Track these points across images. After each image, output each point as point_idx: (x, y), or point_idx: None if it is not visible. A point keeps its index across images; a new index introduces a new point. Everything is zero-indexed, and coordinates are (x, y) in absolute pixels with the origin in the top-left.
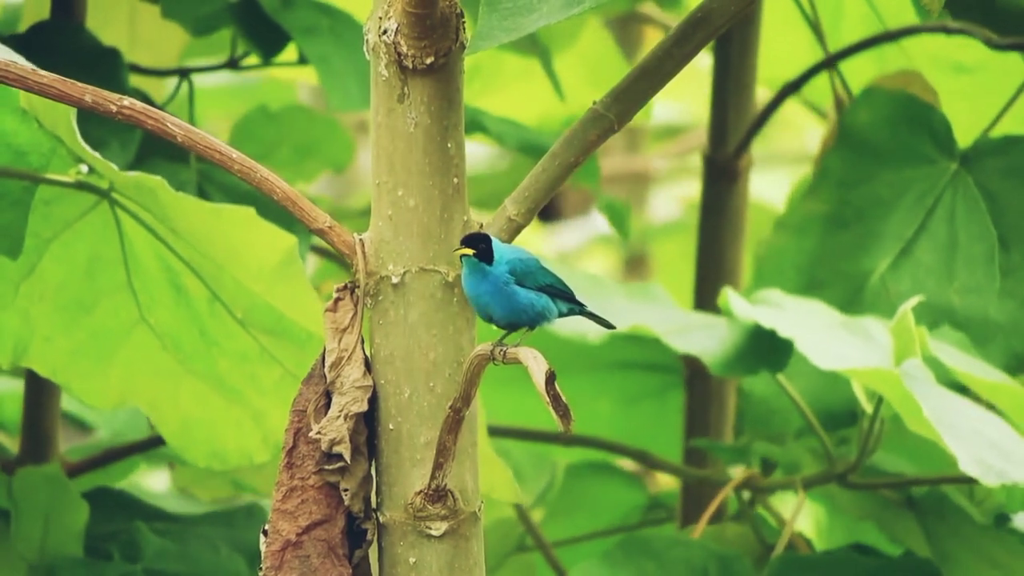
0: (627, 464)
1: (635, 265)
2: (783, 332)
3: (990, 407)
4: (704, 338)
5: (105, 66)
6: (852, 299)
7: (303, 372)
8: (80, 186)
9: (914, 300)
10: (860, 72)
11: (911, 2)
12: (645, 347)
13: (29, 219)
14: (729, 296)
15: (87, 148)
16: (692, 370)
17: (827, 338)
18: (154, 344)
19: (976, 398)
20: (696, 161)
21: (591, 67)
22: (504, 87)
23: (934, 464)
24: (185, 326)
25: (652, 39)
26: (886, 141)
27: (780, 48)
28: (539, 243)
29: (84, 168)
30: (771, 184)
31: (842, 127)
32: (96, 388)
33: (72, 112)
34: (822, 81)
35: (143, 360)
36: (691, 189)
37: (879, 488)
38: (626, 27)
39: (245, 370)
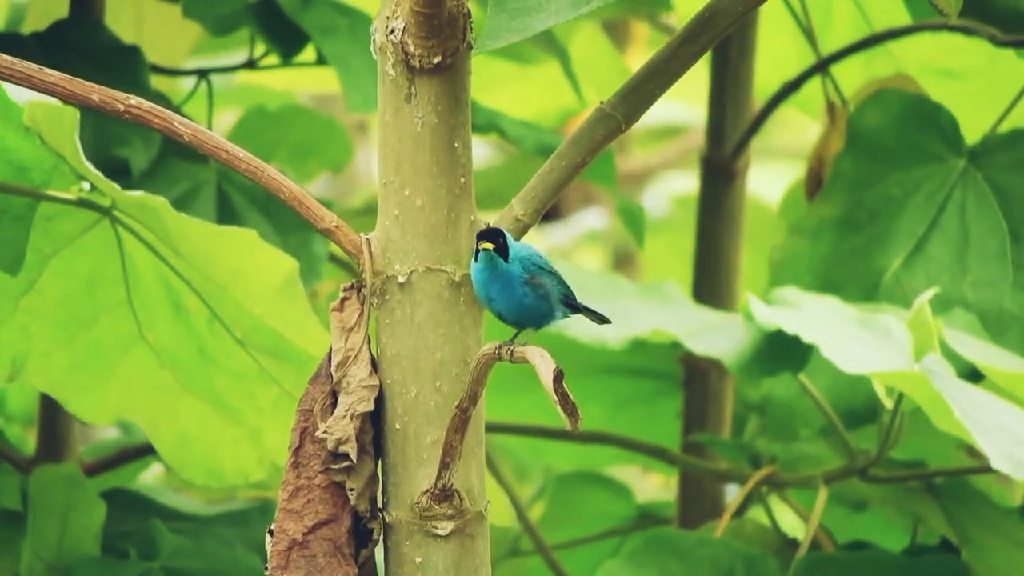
0: (618, 474)
1: (624, 262)
2: (807, 338)
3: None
4: (722, 339)
5: (125, 64)
6: (867, 298)
7: (301, 393)
8: (81, 203)
9: (930, 292)
10: (850, 76)
11: (904, 5)
12: (637, 352)
13: (30, 234)
14: (751, 302)
15: (89, 166)
16: (690, 370)
17: (848, 339)
18: (152, 361)
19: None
20: (686, 158)
21: (585, 67)
22: (498, 86)
23: (950, 450)
24: (184, 344)
25: (639, 37)
26: (895, 141)
27: (771, 54)
28: (530, 241)
29: (86, 185)
30: (768, 180)
31: (851, 130)
32: (94, 403)
33: (75, 129)
34: (813, 86)
35: (141, 377)
36: (679, 186)
37: (902, 481)
38: (613, 26)
39: (243, 389)
